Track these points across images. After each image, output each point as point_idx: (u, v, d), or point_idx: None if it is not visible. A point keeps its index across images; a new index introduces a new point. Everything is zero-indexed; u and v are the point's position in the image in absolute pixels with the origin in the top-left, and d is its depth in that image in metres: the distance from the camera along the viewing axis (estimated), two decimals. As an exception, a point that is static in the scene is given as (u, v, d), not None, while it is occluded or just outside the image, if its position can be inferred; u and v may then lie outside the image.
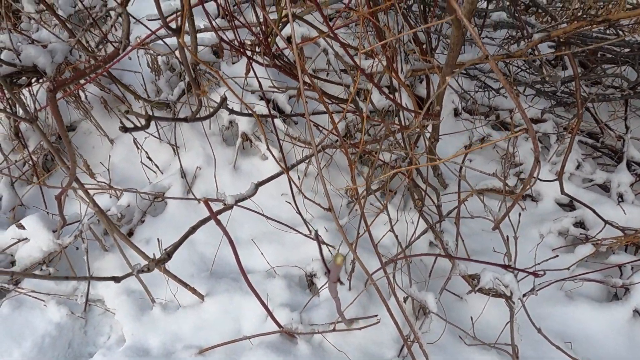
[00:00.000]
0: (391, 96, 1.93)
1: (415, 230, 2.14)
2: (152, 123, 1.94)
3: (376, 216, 2.20)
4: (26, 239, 2.02)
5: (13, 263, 2.04)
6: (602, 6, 2.92)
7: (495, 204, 2.45)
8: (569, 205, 2.50)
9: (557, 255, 1.96)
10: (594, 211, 2.25)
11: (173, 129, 2.49)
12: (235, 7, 2.64)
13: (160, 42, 2.26)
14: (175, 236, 1.68)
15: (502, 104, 2.94)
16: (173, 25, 1.59)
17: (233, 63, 2.55)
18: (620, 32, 2.61)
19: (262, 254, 2.06)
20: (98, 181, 2.23)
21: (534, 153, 1.43)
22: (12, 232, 2.03)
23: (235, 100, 2.30)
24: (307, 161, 2.27)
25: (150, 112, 2.41)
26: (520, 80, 2.87)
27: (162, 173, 2.46)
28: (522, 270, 1.64)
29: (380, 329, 1.77)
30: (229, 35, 2.38)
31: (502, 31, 3.04)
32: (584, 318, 1.95)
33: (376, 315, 1.71)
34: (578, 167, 2.58)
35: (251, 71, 2.31)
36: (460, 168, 2.42)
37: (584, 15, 2.82)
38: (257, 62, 1.82)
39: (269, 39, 1.85)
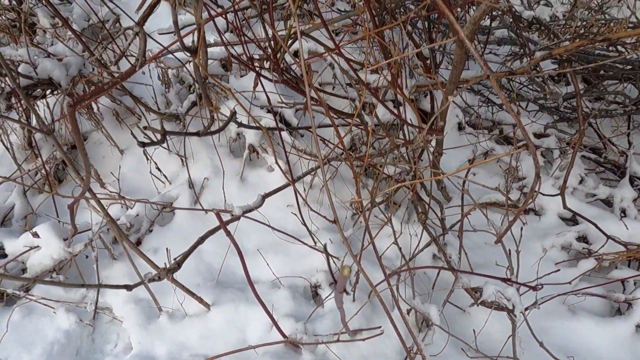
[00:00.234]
0: (395, 111, 1.97)
1: (418, 242, 2.16)
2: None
3: (380, 228, 2.22)
4: (38, 246, 2.06)
5: (24, 270, 2.08)
6: (604, 24, 2.97)
7: (498, 218, 2.47)
8: (572, 219, 2.51)
9: (559, 270, 1.98)
10: (596, 226, 2.27)
11: (182, 140, 2.55)
12: (244, 22, 2.71)
13: (170, 55, 2.33)
14: (183, 246, 1.72)
15: (505, 119, 2.97)
16: (186, 40, 1.65)
17: (241, 76, 2.60)
18: (622, 49, 2.65)
19: (267, 264, 2.09)
20: (110, 191, 2.28)
21: (534, 168, 1.47)
22: (24, 239, 2.08)
23: (243, 112, 2.36)
24: (312, 173, 2.31)
25: (162, 126, 2.47)
26: (523, 96, 2.91)
27: (170, 183, 2.51)
28: (522, 284, 1.66)
29: (383, 341, 1.79)
30: (238, 49, 2.45)
31: (507, 46, 3.09)
32: (587, 332, 1.95)
33: (380, 327, 1.73)
34: (581, 181, 2.60)
35: (259, 85, 2.37)
36: (464, 182, 2.45)
37: (586, 33, 2.87)
38: (265, 77, 1.87)
39: (278, 56, 1.90)
